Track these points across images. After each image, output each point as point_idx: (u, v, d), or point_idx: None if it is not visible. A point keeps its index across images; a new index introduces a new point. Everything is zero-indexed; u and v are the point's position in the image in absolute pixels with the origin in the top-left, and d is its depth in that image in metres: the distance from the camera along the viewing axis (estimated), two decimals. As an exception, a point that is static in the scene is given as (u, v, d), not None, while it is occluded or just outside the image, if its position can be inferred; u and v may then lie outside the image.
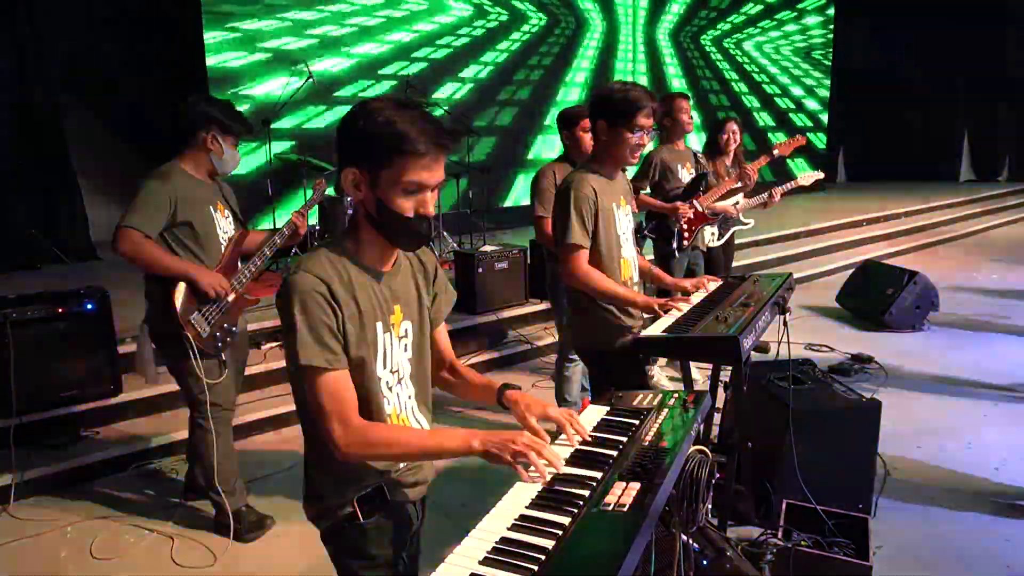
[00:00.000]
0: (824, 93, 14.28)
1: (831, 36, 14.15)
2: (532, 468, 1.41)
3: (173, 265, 2.79)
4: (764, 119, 13.18)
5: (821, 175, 4.93)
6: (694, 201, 4.28)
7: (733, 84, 12.61)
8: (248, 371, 3.58)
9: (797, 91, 13.81)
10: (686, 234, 4.30)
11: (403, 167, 1.43)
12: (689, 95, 4.67)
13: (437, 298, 1.73)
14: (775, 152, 4.69)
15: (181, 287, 2.78)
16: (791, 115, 13.69)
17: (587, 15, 10.14)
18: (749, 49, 12.87)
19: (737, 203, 4.63)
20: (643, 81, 10.90)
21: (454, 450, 1.48)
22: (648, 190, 4.49)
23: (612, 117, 2.53)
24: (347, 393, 1.46)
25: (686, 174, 4.46)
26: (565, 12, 9.85)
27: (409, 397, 1.65)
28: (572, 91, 9.97)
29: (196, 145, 2.89)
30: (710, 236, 4.73)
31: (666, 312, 2.64)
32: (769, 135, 13.21)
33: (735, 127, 4.84)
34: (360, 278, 1.51)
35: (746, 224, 4.80)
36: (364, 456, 1.49)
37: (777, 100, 13.46)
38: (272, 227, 3.50)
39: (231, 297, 2.93)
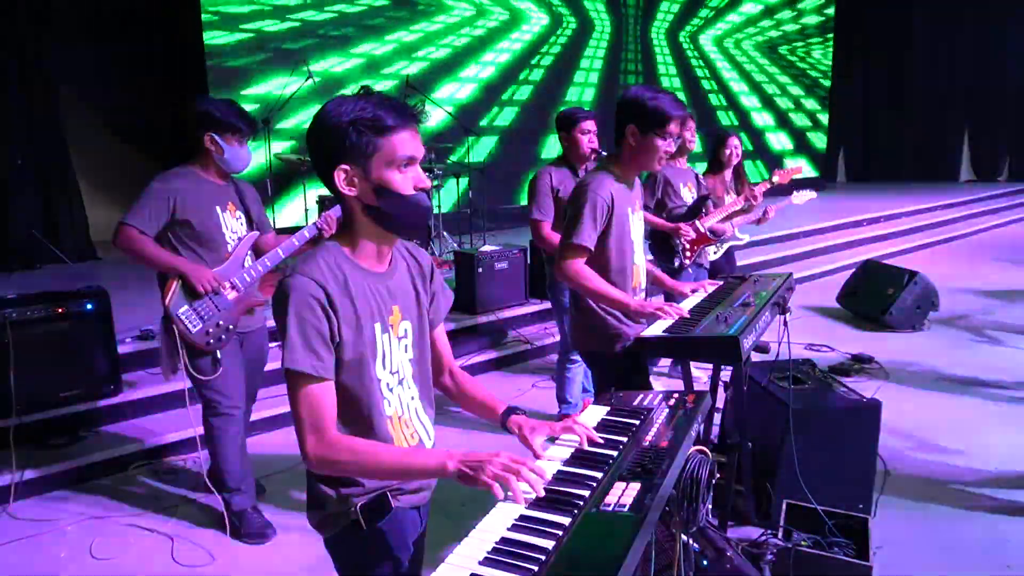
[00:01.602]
0: (824, 93, 14.28)
1: (831, 35, 14.15)
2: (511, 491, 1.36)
3: (164, 260, 2.85)
4: (763, 120, 13.19)
5: (814, 194, 4.95)
6: (696, 222, 4.24)
7: (732, 84, 12.62)
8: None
9: (797, 91, 13.81)
10: (688, 254, 4.26)
11: (390, 146, 1.45)
12: (694, 114, 4.67)
13: (435, 298, 1.72)
14: (775, 179, 4.69)
15: (175, 282, 2.84)
16: (791, 115, 13.70)
17: (592, 15, 10.14)
18: (748, 48, 12.88)
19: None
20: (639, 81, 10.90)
21: (428, 471, 1.45)
22: (651, 207, 4.46)
23: (645, 123, 2.50)
24: (327, 404, 1.46)
25: (687, 193, 4.43)
26: (567, 12, 9.86)
27: (412, 398, 1.64)
28: (586, 91, 9.98)
29: (200, 147, 2.91)
30: (712, 251, 4.75)
31: (661, 317, 2.63)
32: (767, 136, 13.23)
33: (736, 141, 4.84)
34: (357, 278, 1.51)
35: (740, 240, 4.84)
36: (332, 470, 1.48)
37: (776, 100, 13.47)
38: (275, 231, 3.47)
39: (231, 296, 2.93)
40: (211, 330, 2.89)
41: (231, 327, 2.96)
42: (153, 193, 2.84)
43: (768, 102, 13.26)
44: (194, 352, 2.90)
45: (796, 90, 13.79)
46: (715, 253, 4.77)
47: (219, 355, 2.96)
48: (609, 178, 2.59)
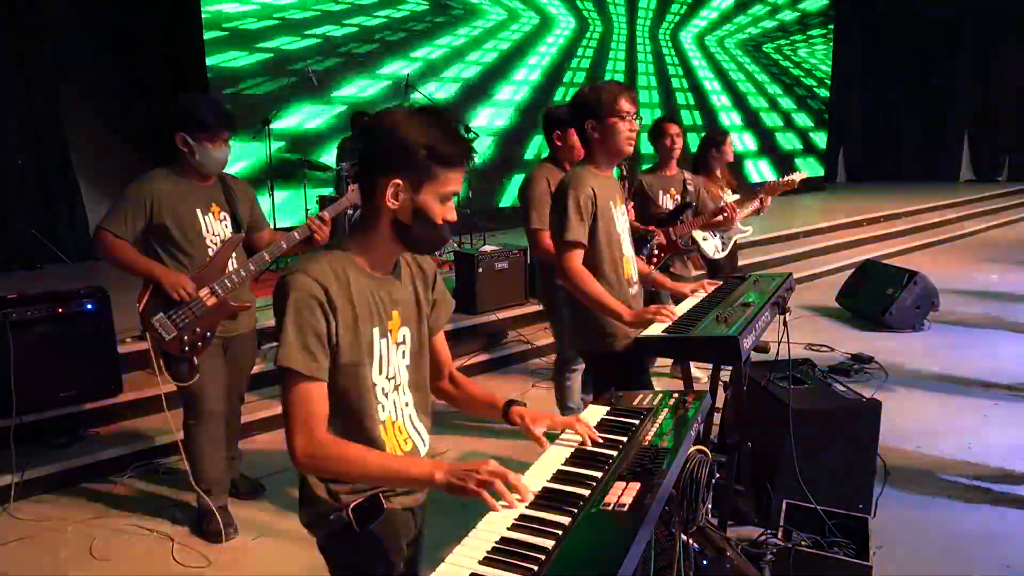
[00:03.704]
0: (824, 93, 14.28)
1: (831, 35, 14.15)
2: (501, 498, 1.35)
3: (140, 265, 2.79)
4: (764, 120, 13.19)
5: (805, 173, 4.84)
6: (670, 229, 4.15)
7: (732, 84, 12.62)
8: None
9: (797, 91, 13.81)
10: (655, 259, 4.15)
11: (446, 179, 1.48)
12: (678, 121, 4.45)
13: (436, 305, 1.72)
14: (762, 196, 4.51)
15: (150, 288, 2.79)
16: (791, 115, 13.70)
17: (587, 15, 10.13)
18: (746, 49, 12.87)
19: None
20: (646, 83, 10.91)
21: (416, 479, 1.44)
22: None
23: (597, 113, 2.54)
24: (319, 405, 1.45)
25: (669, 200, 4.30)
26: (565, 12, 9.84)
27: (407, 404, 1.63)
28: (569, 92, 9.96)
29: (177, 148, 2.83)
30: (714, 249, 4.69)
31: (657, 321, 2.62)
32: (768, 136, 13.23)
33: (728, 142, 4.86)
34: (359, 282, 1.51)
35: (744, 231, 4.81)
36: (319, 471, 1.48)
37: (776, 100, 13.47)
38: (271, 228, 3.48)
39: (211, 301, 2.84)
40: (186, 337, 2.82)
41: (209, 334, 2.88)
42: (130, 196, 2.78)
43: (768, 102, 13.26)
44: (171, 358, 2.85)
45: (797, 90, 13.79)
46: (720, 251, 4.75)
47: (196, 361, 2.89)
48: (587, 174, 2.61)
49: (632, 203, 4.24)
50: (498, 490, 1.34)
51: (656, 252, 4.16)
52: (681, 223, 4.20)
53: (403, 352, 1.61)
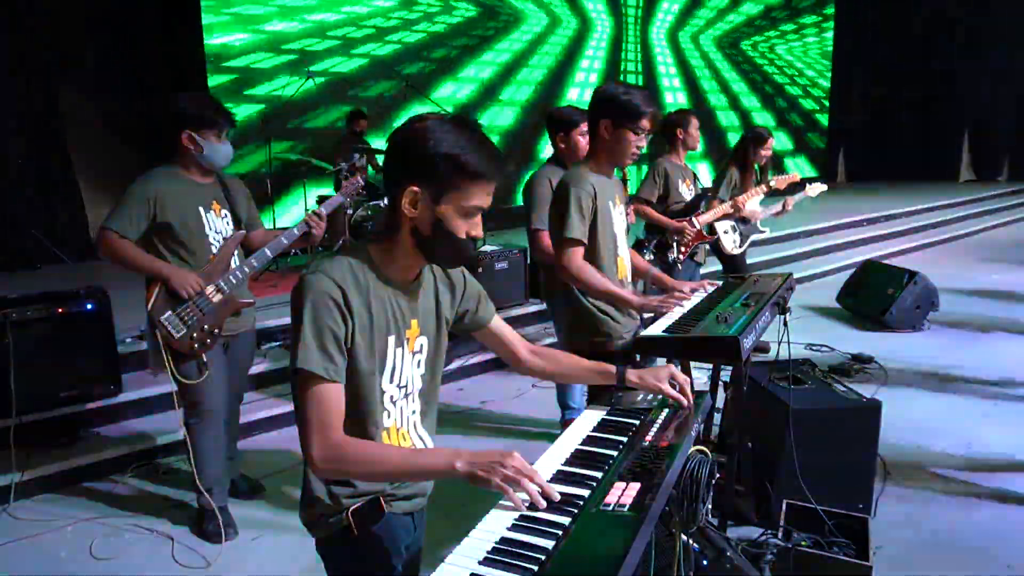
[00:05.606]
0: (824, 93, 14.28)
1: (831, 35, 14.15)
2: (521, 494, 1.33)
3: (146, 264, 2.80)
4: (764, 120, 13.19)
5: (825, 187, 5.10)
6: (693, 219, 4.33)
7: (732, 84, 12.62)
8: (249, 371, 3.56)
9: (797, 91, 13.81)
10: (683, 249, 4.35)
11: (470, 191, 1.45)
12: (697, 113, 4.79)
13: (471, 310, 1.74)
14: (772, 184, 4.81)
15: (157, 287, 2.79)
16: (791, 115, 13.69)
17: (592, 15, 10.14)
18: (749, 49, 12.87)
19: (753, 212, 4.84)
20: (640, 81, 10.92)
21: (436, 471, 1.41)
22: (654, 201, 4.49)
23: (618, 118, 2.52)
24: (336, 407, 1.42)
25: (685, 189, 4.49)
26: (570, 13, 9.85)
27: (414, 412, 1.62)
28: (573, 91, 9.97)
29: (179, 147, 2.84)
30: (732, 244, 4.85)
31: (663, 313, 2.64)
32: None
33: (769, 144, 5.00)
34: (379, 289, 1.49)
35: (762, 232, 5.00)
36: (338, 472, 1.46)
37: (775, 99, 13.46)
38: (271, 227, 3.51)
39: (216, 299, 2.86)
40: (195, 335, 2.83)
41: (216, 331, 2.90)
42: (133, 196, 2.78)
43: (767, 101, 13.25)
44: (179, 356, 2.85)
45: (795, 90, 13.79)
46: (737, 247, 4.92)
47: (205, 359, 2.90)
48: (588, 173, 2.62)
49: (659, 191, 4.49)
50: (526, 490, 1.31)
51: (686, 241, 4.33)
52: (703, 211, 4.40)
53: (419, 361, 1.60)
